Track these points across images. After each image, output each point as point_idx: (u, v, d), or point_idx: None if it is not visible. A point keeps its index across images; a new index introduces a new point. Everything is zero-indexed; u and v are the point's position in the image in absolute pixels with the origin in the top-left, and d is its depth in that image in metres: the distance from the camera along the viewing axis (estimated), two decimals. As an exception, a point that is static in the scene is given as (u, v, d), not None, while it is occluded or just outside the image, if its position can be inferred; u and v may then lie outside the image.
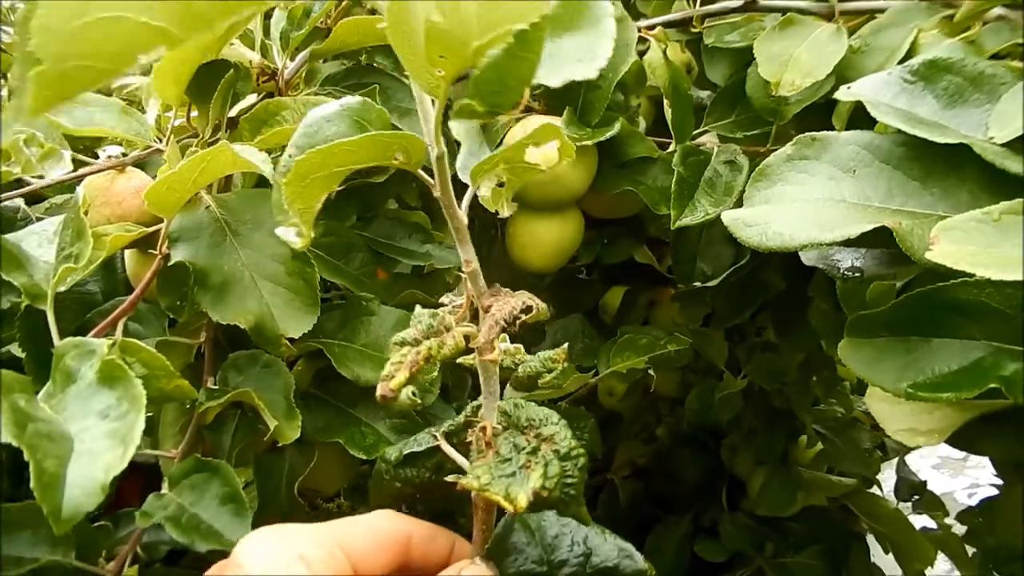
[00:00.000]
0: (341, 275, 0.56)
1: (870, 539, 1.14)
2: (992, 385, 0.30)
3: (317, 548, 0.28)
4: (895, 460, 1.34)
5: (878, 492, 1.11)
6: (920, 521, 1.12)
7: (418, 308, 0.30)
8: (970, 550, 1.01)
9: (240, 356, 0.50)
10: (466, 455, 0.32)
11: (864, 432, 1.32)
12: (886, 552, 1.13)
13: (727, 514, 1.09)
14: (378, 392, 0.27)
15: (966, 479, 1.45)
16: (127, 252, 0.52)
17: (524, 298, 0.30)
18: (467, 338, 0.30)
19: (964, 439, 0.37)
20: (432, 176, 0.27)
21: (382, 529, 0.31)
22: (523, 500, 0.28)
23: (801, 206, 0.37)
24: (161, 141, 0.49)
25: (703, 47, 0.68)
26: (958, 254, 0.28)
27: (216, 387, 0.50)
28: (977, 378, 0.31)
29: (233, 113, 0.51)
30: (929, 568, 1.11)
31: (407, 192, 0.63)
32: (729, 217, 0.38)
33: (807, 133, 0.38)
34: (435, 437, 0.36)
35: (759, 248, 0.37)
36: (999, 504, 0.75)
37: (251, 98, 0.52)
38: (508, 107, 0.25)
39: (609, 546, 0.35)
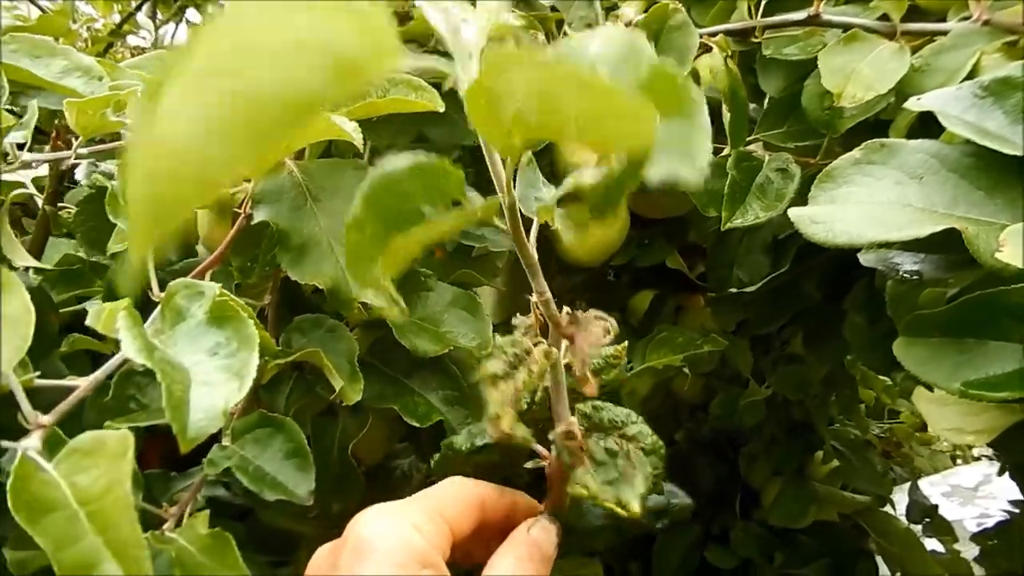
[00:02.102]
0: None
1: (879, 561, 1.15)
2: (1045, 386, 0.32)
3: (424, 518, 0.30)
4: (906, 485, 1.35)
5: (891, 511, 1.13)
6: (929, 545, 1.13)
7: (498, 338, 0.32)
8: (978, 572, 1.02)
9: (304, 320, 0.52)
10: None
11: (876, 456, 1.33)
12: (892, 573, 1.15)
13: (739, 522, 1.11)
14: (492, 434, 0.29)
15: (976, 508, 1.46)
16: (201, 214, 0.54)
17: (602, 323, 0.32)
18: (546, 354, 0.31)
19: (1010, 444, 0.39)
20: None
21: (464, 494, 0.33)
22: (636, 505, 0.31)
23: (868, 207, 0.39)
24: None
25: (759, 58, 0.69)
26: (1028, 255, 0.30)
27: (280, 348, 0.52)
28: (1030, 379, 0.33)
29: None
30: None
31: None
32: (796, 214, 0.40)
33: (875, 140, 0.40)
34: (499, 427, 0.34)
35: (825, 244, 0.38)
36: (1014, 528, 0.76)
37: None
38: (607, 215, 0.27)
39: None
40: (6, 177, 0.51)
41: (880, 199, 0.39)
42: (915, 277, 0.41)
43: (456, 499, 0.33)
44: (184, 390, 0.28)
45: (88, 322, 0.30)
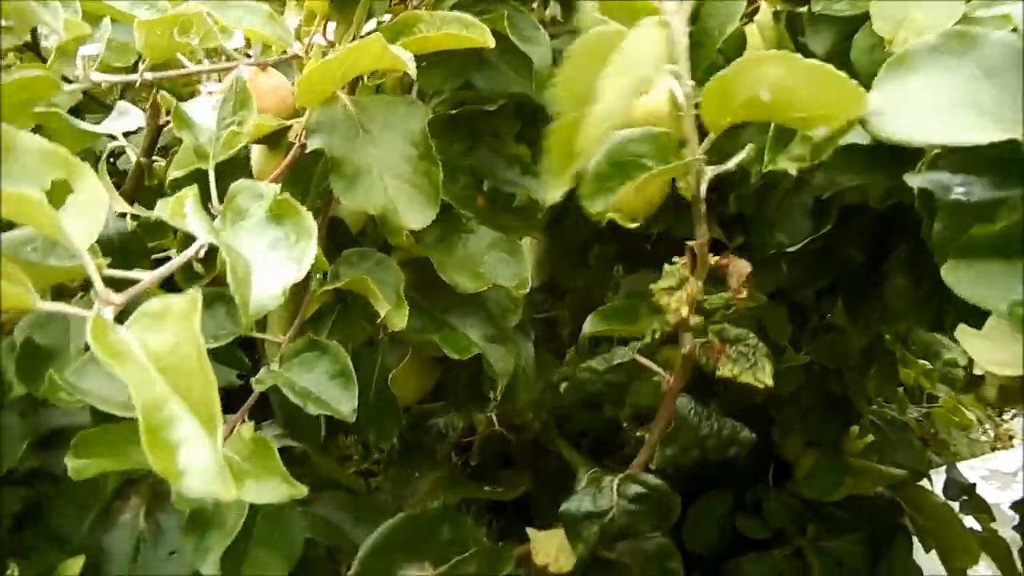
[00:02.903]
0: (446, 193, 0.59)
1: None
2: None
3: None
4: (943, 469, 1.33)
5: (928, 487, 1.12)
6: (966, 524, 1.12)
7: (667, 267, 0.48)
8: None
9: (352, 253, 0.54)
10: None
11: (915, 437, 1.32)
12: (927, 551, 1.13)
13: (772, 491, 1.11)
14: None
15: (1015, 492, 1.43)
16: (255, 148, 0.56)
17: (743, 261, 0.49)
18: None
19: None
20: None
21: None
22: (769, 379, 0.47)
23: (935, 103, 0.37)
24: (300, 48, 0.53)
25: (807, 16, 0.69)
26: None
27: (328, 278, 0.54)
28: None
29: (366, 30, 0.55)
30: (972, 569, 1.11)
31: (505, 128, 0.66)
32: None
33: (955, 27, 0.39)
34: (632, 352, 0.57)
35: (879, 136, 0.37)
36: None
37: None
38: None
39: (729, 425, 0.58)
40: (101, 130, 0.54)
41: (949, 95, 0.37)
42: (967, 198, 0.40)
43: None
44: (247, 270, 0.30)
45: (156, 212, 0.32)
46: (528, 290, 0.57)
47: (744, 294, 0.47)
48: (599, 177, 0.43)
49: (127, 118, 0.56)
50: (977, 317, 0.52)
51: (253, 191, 0.35)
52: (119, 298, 0.30)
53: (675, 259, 0.49)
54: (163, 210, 0.31)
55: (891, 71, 0.38)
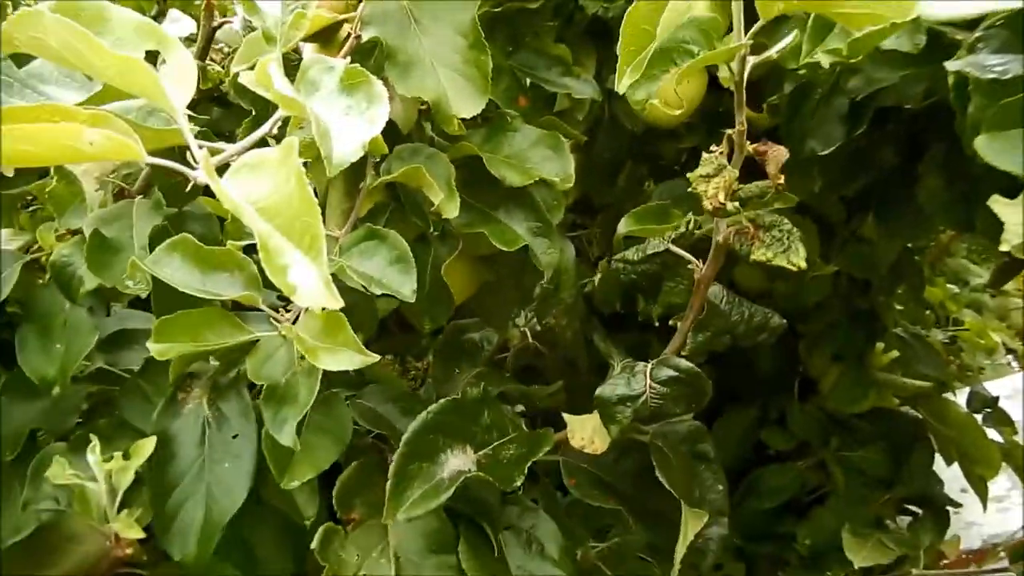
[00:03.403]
0: (491, 92, 0.61)
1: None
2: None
3: None
4: (966, 389, 1.36)
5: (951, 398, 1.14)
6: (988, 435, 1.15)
7: (704, 155, 0.49)
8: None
9: (403, 148, 0.57)
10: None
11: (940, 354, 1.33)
12: (948, 464, 1.17)
13: (797, 405, 1.14)
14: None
15: (1038, 410, 1.45)
16: (307, 47, 0.58)
17: (781, 148, 0.49)
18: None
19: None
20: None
21: None
22: (803, 262, 0.49)
23: None
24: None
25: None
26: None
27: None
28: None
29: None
30: (992, 483, 1.14)
31: (545, 29, 0.68)
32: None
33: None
34: (666, 241, 0.58)
35: (934, 20, 0.39)
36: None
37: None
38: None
39: (760, 312, 0.58)
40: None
41: None
42: (1004, 75, 0.42)
43: None
44: (327, 127, 0.32)
45: (241, 80, 0.34)
46: (572, 184, 0.59)
47: (782, 180, 0.48)
48: (641, 64, 0.44)
49: (180, 24, 0.58)
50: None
51: (324, 64, 0.37)
52: (214, 159, 0.32)
53: (712, 147, 0.50)
54: (249, 79, 0.33)
55: None
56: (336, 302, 0.27)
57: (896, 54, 0.59)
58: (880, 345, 1.17)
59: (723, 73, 0.50)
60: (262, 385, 0.50)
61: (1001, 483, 1.23)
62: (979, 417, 1.15)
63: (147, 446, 0.57)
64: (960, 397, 1.27)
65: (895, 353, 1.16)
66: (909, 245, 1.16)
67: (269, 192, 0.28)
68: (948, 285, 1.59)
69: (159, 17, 0.77)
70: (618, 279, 0.60)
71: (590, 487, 0.65)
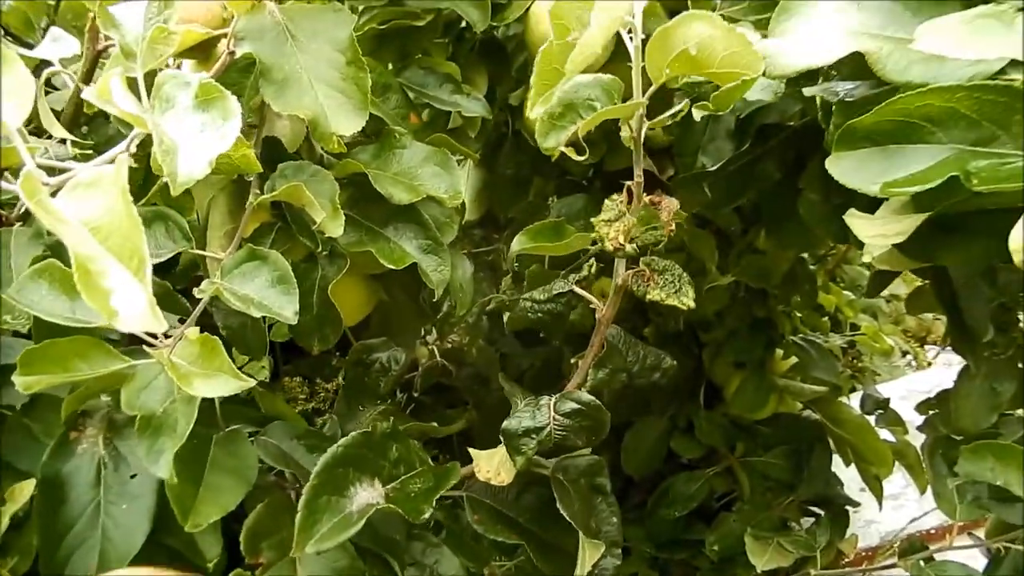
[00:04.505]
0: (377, 110, 0.61)
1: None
2: (952, 173, 0.36)
3: None
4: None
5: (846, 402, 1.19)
6: (881, 436, 1.20)
7: (607, 201, 0.55)
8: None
9: (288, 166, 0.55)
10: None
11: (836, 359, 1.39)
12: (847, 464, 1.22)
13: (703, 412, 1.17)
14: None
15: (928, 409, 1.53)
16: (186, 64, 0.56)
17: (674, 199, 0.55)
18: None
19: (924, 247, 0.43)
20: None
21: None
22: (691, 302, 0.53)
23: (809, 36, 0.42)
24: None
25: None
26: (940, 43, 0.33)
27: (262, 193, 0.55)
28: (942, 172, 0.37)
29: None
30: (886, 482, 1.20)
31: (435, 48, 0.68)
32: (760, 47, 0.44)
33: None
34: (571, 283, 0.61)
35: (773, 75, 0.43)
36: (953, 394, 0.82)
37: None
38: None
39: (654, 353, 0.62)
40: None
41: (822, 28, 0.42)
42: (849, 98, 0.44)
43: None
44: (174, 146, 0.31)
45: (84, 96, 0.33)
46: (461, 201, 0.59)
47: (673, 228, 0.53)
48: (552, 116, 0.48)
49: (62, 43, 0.56)
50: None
51: (179, 80, 0.36)
52: (52, 179, 0.31)
53: (614, 196, 0.55)
54: (91, 94, 0.32)
55: (777, 20, 0.43)
56: (160, 326, 0.26)
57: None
58: (780, 352, 1.22)
59: (624, 132, 0.53)
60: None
61: (897, 481, 1.29)
62: (872, 418, 1.20)
63: (25, 489, 0.54)
64: (856, 400, 1.33)
65: (794, 359, 1.20)
66: (805, 255, 1.21)
67: (103, 212, 0.27)
68: (846, 292, 1.66)
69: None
70: (526, 316, 0.62)
71: (493, 522, 0.65)
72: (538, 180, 1.12)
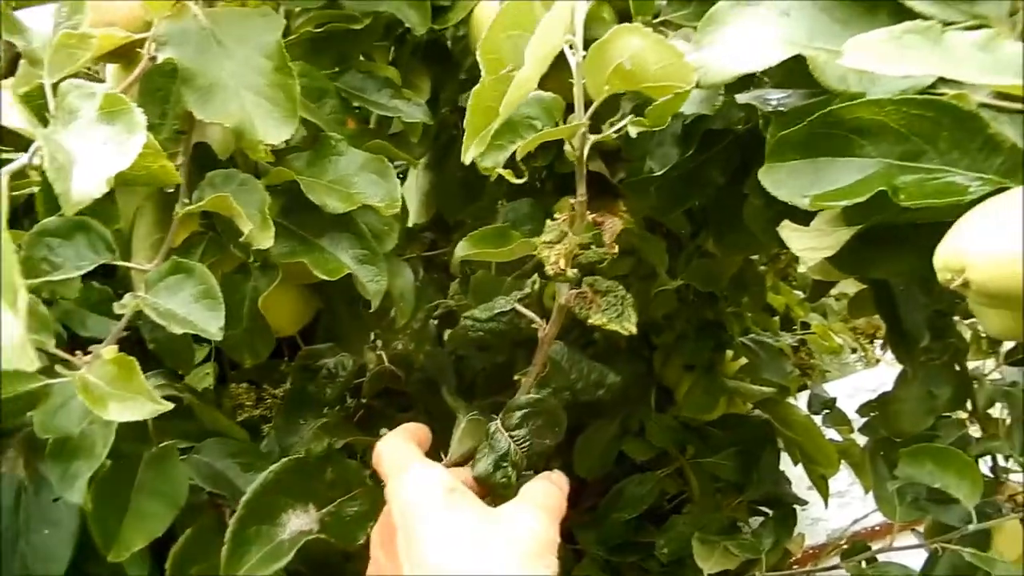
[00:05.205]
0: (313, 115, 0.59)
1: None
2: (880, 188, 0.36)
3: None
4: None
5: (793, 403, 1.20)
6: (828, 434, 1.22)
7: (548, 222, 0.52)
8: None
9: (216, 175, 0.53)
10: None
11: (784, 359, 1.41)
12: (795, 463, 1.23)
13: (654, 415, 1.17)
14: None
15: (874, 407, 1.56)
16: (110, 68, 0.54)
17: (616, 219, 0.54)
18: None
19: (855, 260, 0.43)
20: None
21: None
22: (633, 327, 0.51)
23: (737, 45, 0.42)
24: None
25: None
26: (866, 59, 0.33)
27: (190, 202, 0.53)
28: (870, 186, 0.37)
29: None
30: (833, 479, 1.21)
31: (376, 50, 0.66)
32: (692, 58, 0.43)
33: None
34: (512, 302, 0.59)
35: (704, 85, 0.42)
36: (892, 397, 0.84)
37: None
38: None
39: (598, 369, 0.61)
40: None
41: (750, 36, 0.42)
42: (781, 107, 0.44)
43: None
44: (67, 158, 0.29)
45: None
46: (398, 210, 0.57)
47: (616, 250, 0.52)
48: (491, 135, 0.46)
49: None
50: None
51: (84, 90, 0.34)
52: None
53: (556, 215, 0.53)
54: (-14, 106, 0.30)
55: (704, 30, 0.43)
56: (31, 364, 0.24)
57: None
58: (730, 353, 1.23)
59: (568, 148, 0.51)
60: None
61: (843, 479, 1.31)
62: (819, 418, 1.22)
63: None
64: (804, 399, 1.35)
65: (743, 360, 1.22)
66: (755, 257, 1.23)
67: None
68: (796, 292, 1.68)
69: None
70: (466, 335, 0.61)
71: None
72: (489, 183, 1.11)
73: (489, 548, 0.41)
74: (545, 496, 0.48)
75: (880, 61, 0.33)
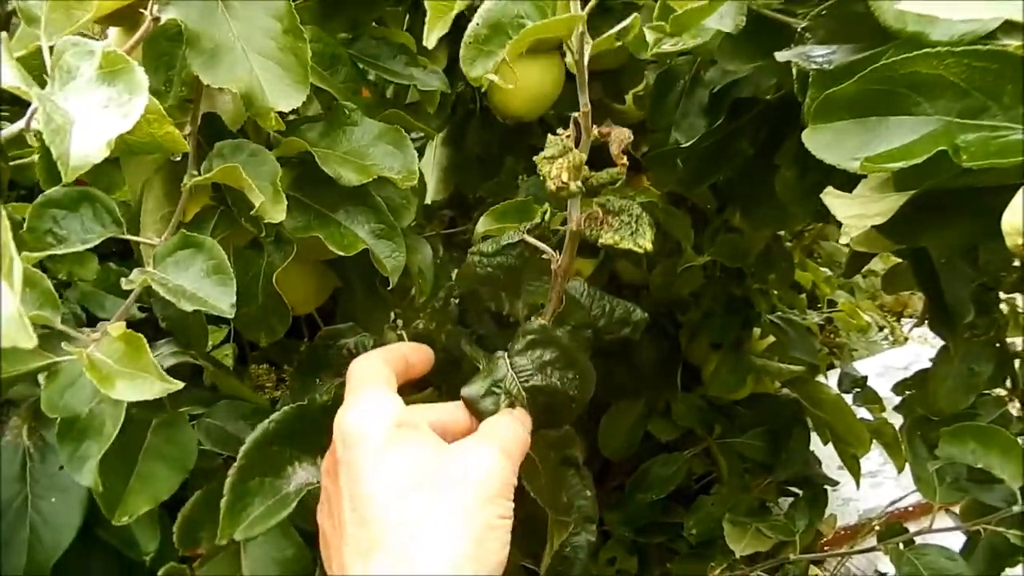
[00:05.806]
0: (326, 83, 0.57)
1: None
2: (940, 148, 0.33)
3: None
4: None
5: (823, 381, 1.17)
6: (859, 413, 1.19)
7: (550, 136, 0.45)
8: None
9: (225, 145, 0.51)
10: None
11: (812, 336, 1.38)
12: (824, 443, 1.20)
13: (680, 395, 1.14)
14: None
15: (905, 386, 1.52)
16: (112, 32, 0.52)
17: (624, 129, 0.46)
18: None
19: (905, 228, 0.40)
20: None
21: None
22: (649, 245, 0.45)
23: None
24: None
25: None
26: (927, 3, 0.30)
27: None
28: (928, 146, 0.34)
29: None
30: (864, 459, 1.18)
31: (390, 16, 0.63)
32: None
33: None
34: (522, 232, 0.53)
35: None
36: (931, 374, 0.80)
37: None
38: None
39: (622, 306, 0.55)
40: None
41: None
42: (826, 65, 0.41)
43: None
44: (65, 119, 0.27)
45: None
46: (415, 182, 0.55)
47: (625, 160, 0.46)
48: (477, 40, 0.42)
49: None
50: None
51: (82, 48, 0.32)
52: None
53: (559, 130, 0.48)
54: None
55: None
56: (29, 341, 0.22)
57: (742, 46, 0.58)
58: (757, 331, 1.19)
59: (568, 58, 0.48)
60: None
61: (874, 458, 1.28)
62: (849, 397, 1.19)
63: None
64: (833, 378, 1.32)
65: (771, 339, 1.18)
66: (781, 233, 1.19)
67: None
68: (823, 268, 1.64)
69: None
70: (475, 272, 0.56)
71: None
72: (509, 158, 1.08)
73: (435, 488, 0.37)
74: (505, 433, 0.44)
75: (943, 5, 0.30)
